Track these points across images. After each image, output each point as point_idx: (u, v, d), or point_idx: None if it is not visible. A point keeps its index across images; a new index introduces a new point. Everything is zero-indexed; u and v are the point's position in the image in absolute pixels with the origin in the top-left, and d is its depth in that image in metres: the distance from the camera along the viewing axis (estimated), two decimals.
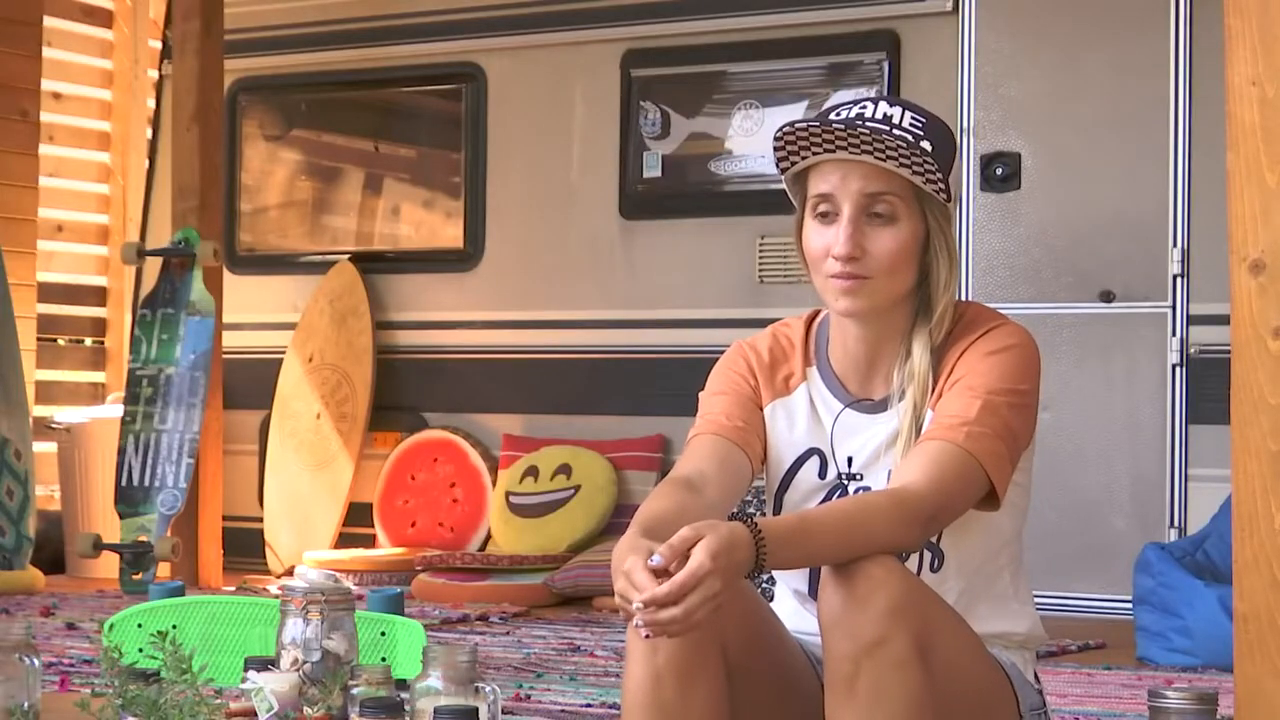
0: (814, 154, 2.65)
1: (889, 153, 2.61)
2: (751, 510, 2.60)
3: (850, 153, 2.62)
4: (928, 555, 2.69)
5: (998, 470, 2.61)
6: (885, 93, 6.81)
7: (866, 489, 2.70)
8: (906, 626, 2.45)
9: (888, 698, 2.44)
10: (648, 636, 2.41)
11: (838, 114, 2.69)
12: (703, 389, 2.81)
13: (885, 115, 2.66)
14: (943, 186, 2.63)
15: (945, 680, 2.50)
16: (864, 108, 2.68)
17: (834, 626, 2.47)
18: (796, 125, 2.64)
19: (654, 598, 2.36)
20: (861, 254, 2.65)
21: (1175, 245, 6.38)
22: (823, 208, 2.67)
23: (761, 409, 2.77)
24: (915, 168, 2.61)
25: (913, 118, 2.67)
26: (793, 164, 2.69)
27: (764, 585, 2.87)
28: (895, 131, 2.63)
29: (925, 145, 2.64)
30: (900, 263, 2.66)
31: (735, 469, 2.69)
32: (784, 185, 2.76)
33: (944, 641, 2.52)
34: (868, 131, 2.60)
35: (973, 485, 2.59)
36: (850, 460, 2.73)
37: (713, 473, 2.67)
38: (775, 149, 2.68)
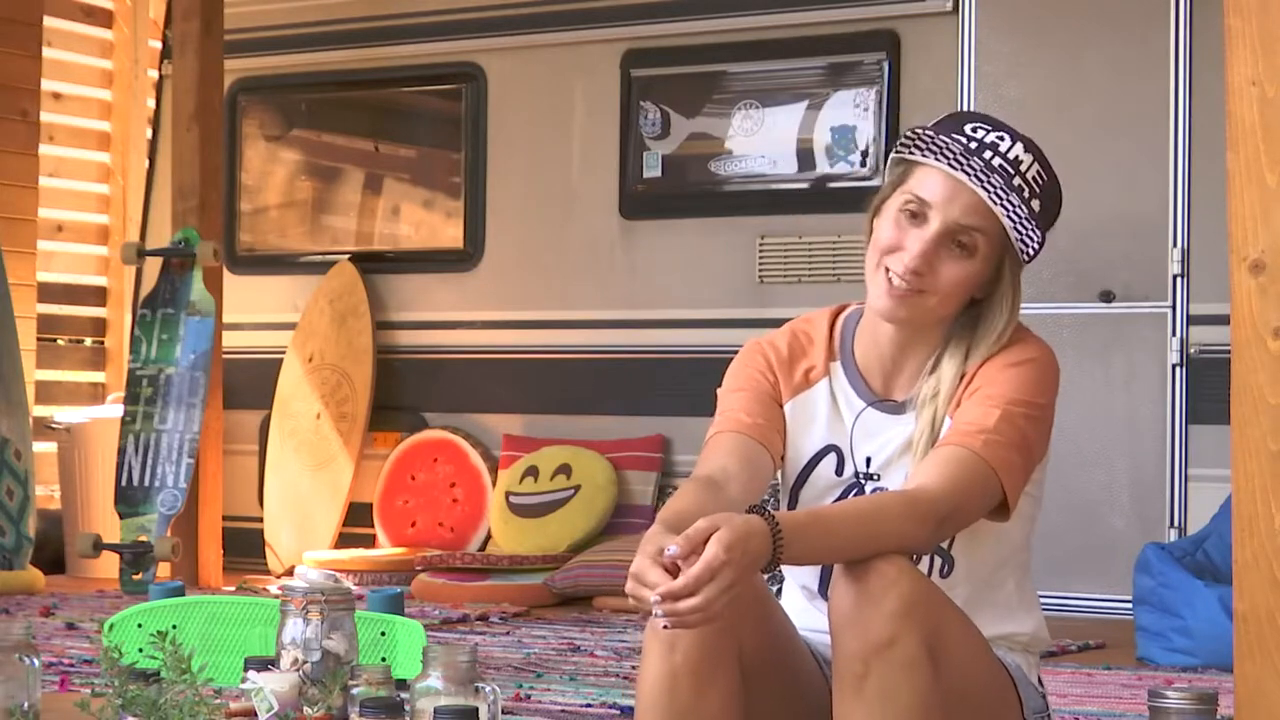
0: (936, 159, 2.65)
1: (1003, 199, 2.61)
2: (768, 501, 2.60)
3: (968, 179, 2.62)
4: (938, 561, 2.69)
5: (1011, 480, 2.61)
6: (885, 93, 6.81)
7: (883, 490, 2.70)
8: (917, 627, 2.45)
9: (897, 698, 2.44)
10: (666, 627, 2.40)
11: (974, 129, 2.68)
12: (719, 386, 2.80)
13: (1016, 157, 2.66)
14: (1033, 251, 2.66)
15: (953, 681, 2.50)
16: (1000, 138, 2.67)
17: (845, 625, 2.47)
18: (939, 135, 2.63)
19: (671, 590, 2.35)
20: (927, 271, 2.64)
21: (1175, 245, 6.38)
22: (914, 208, 2.66)
23: (781, 405, 2.76)
24: (1020, 226, 2.63)
25: (1039, 171, 2.68)
26: (911, 153, 2.67)
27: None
28: (1016, 180, 2.64)
29: (1036, 205, 2.66)
30: (958, 294, 2.67)
31: (757, 466, 2.68)
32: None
33: (953, 643, 2.52)
34: (993, 168, 2.61)
35: (987, 492, 2.60)
36: (869, 460, 2.73)
37: (735, 469, 2.66)
38: (908, 134, 2.66)
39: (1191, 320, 6.35)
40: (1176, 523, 6.31)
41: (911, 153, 2.67)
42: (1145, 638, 5.32)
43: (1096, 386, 6.48)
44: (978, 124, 2.70)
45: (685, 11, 7.30)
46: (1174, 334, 6.37)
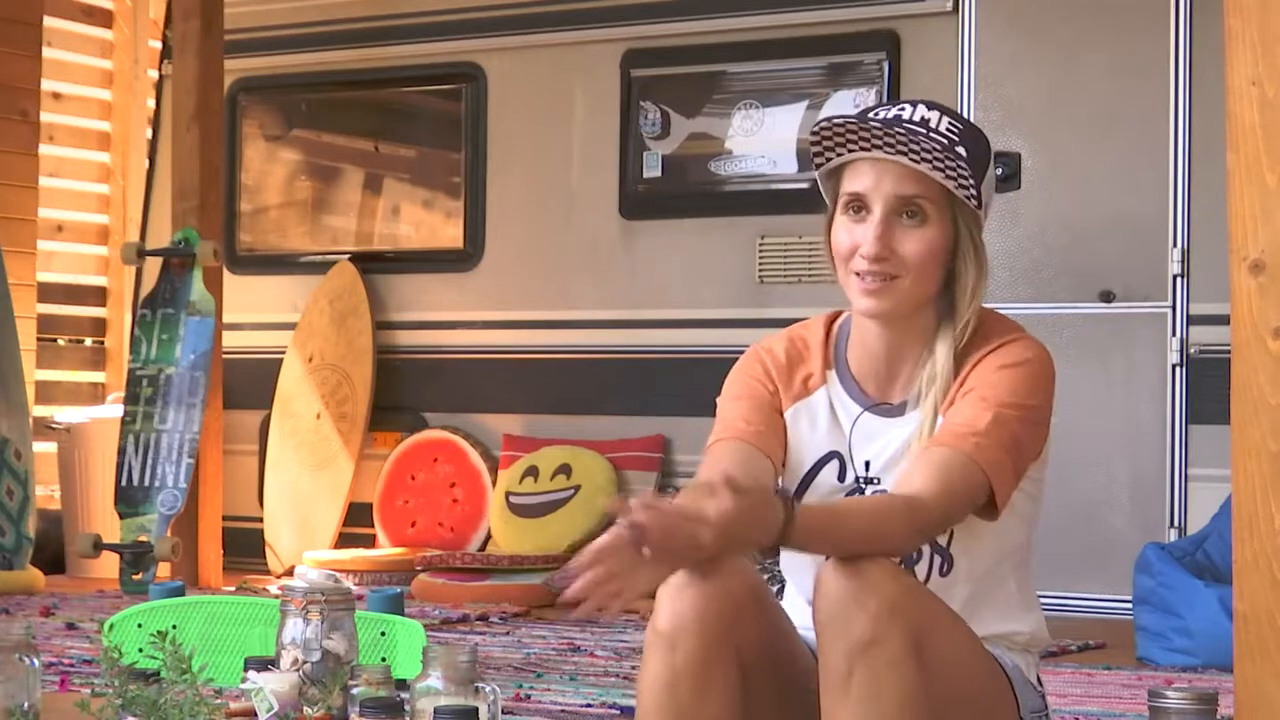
0: (850, 151, 2.66)
1: (924, 155, 2.61)
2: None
3: (886, 153, 2.63)
4: (938, 560, 2.70)
5: (1001, 482, 2.62)
6: (885, 93, 6.81)
7: (884, 492, 2.70)
8: (901, 626, 2.45)
9: (882, 697, 2.44)
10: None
11: (876, 114, 2.71)
12: (719, 387, 2.80)
13: (923, 118, 2.68)
14: (975, 193, 2.65)
15: (942, 680, 2.50)
16: (902, 109, 2.70)
17: (829, 625, 2.48)
18: (834, 121, 2.64)
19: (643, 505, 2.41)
20: (889, 254, 2.65)
21: (1175, 245, 6.38)
22: (855, 206, 2.68)
23: (782, 413, 2.76)
24: (949, 172, 2.62)
25: (949, 123, 2.69)
26: (828, 159, 2.69)
27: (772, 568, 2.89)
28: (932, 135, 2.64)
29: (960, 151, 2.65)
30: (927, 265, 2.68)
31: (758, 472, 2.68)
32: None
33: (940, 641, 2.52)
34: (904, 133, 2.61)
35: (976, 494, 2.61)
36: (868, 465, 2.73)
37: (736, 474, 2.66)
38: (812, 143, 2.69)
39: (1191, 320, 6.35)
40: (1176, 523, 6.31)
41: (831, 157, 2.69)
42: (1145, 638, 5.32)
43: (1096, 386, 6.47)
44: (876, 108, 2.75)
45: (685, 11, 7.30)
46: (1174, 334, 6.36)
